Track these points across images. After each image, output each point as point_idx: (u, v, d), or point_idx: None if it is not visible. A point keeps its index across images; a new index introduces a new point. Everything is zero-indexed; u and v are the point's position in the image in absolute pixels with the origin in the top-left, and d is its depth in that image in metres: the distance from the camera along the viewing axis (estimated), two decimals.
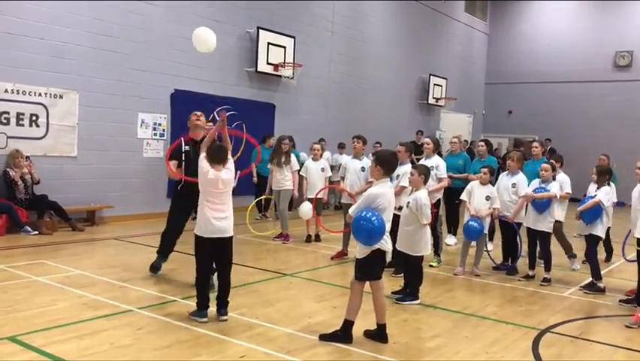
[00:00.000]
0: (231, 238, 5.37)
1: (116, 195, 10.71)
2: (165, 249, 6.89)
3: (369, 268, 4.96)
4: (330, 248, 8.95)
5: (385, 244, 4.95)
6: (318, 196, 9.26)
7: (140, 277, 6.72)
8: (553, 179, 7.68)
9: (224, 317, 5.25)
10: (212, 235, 5.23)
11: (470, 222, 7.56)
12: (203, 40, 6.45)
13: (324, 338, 4.91)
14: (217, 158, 5.28)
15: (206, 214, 5.23)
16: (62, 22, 9.75)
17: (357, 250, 4.99)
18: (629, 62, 20.41)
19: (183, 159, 6.50)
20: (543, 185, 7.47)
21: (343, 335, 4.90)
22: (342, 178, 8.46)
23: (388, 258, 5.10)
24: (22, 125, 9.43)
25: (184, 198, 6.51)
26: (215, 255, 5.36)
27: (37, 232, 9.02)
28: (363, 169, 8.23)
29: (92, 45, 10.17)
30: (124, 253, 8.20)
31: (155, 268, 6.90)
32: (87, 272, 6.81)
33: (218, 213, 5.23)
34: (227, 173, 5.33)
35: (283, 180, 9.69)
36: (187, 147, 6.53)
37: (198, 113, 6.74)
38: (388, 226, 4.97)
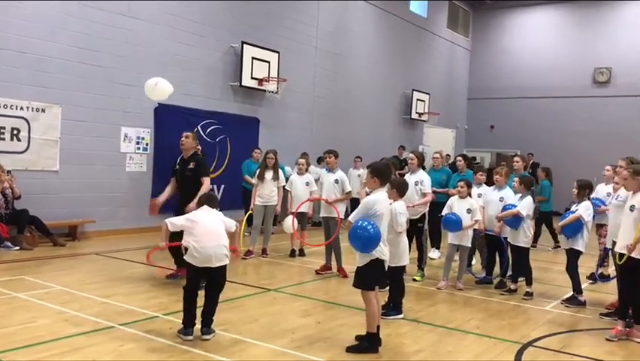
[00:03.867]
0: (224, 266, 5.29)
1: (98, 210, 10.61)
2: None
3: (367, 277, 5.13)
4: (314, 263, 8.94)
5: (382, 252, 5.09)
6: (302, 210, 9.27)
7: (121, 293, 6.66)
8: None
9: (207, 337, 5.16)
10: (203, 264, 5.16)
11: (448, 215, 7.69)
12: (157, 92, 7.42)
13: (350, 349, 5.05)
14: (210, 203, 5.51)
15: (193, 245, 5.15)
16: (45, 36, 9.70)
17: (357, 258, 5.16)
18: (608, 78, 20.79)
19: (178, 176, 7.40)
20: (512, 202, 7.58)
21: (370, 344, 5.07)
22: (320, 194, 8.66)
23: (386, 266, 5.24)
24: (3, 138, 9.33)
25: None
26: (206, 279, 5.31)
27: (18, 248, 8.90)
28: (337, 181, 8.45)
29: (75, 59, 10.13)
30: (106, 269, 8.11)
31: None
32: (68, 288, 6.73)
33: (209, 242, 5.15)
34: (216, 212, 5.48)
35: (269, 195, 9.65)
36: (177, 166, 7.31)
37: (184, 134, 7.52)
38: (386, 234, 5.10)
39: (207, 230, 5.21)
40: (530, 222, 7.55)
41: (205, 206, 5.48)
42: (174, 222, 5.39)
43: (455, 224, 7.62)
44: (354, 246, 5.08)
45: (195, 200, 6.29)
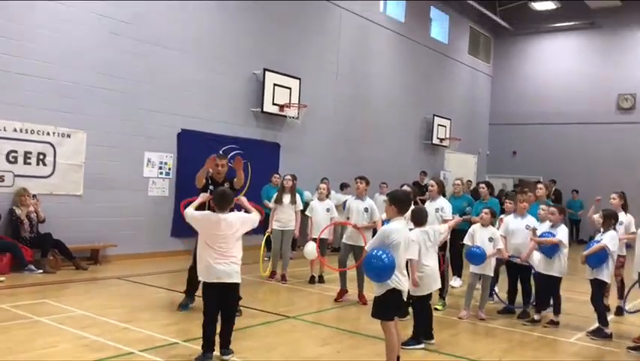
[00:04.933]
0: (237, 284, 5.31)
1: (120, 234, 10.71)
2: (191, 288, 7.10)
3: (385, 307, 5.10)
4: (334, 289, 8.86)
5: (399, 282, 5.04)
6: (323, 237, 9.24)
7: (143, 318, 6.68)
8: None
9: (226, 357, 5.22)
10: (215, 279, 5.20)
11: (472, 249, 7.58)
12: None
13: None
14: (219, 203, 5.31)
15: (206, 259, 5.20)
16: (72, 63, 9.93)
17: (375, 288, 5.15)
18: (633, 104, 20.56)
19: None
20: (551, 230, 7.47)
21: None
22: (347, 219, 8.46)
23: (404, 297, 5.22)
24: (30, 163, 9.52)
25: None
26: (220, 299, 5.28)
27: (41, 271, 9.00)
28: (366, 210, 8.26)
29: (100, 85, 10.33)
30: (127, 293, 8.16)
31: (182, 306, 7.16)
32: (89, 312, 6.77)
33: (219, 258, 5.18)
34: (233, 216, 5.33)
35: (287, 218, 9.68)
36: (211, 187, 6.87)
37: (221, 162, 7.11)
38: (404, 263, 5.07)
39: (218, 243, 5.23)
40: (565, 252, 7.43)
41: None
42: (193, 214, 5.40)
43: (479, 258, 7.52)
44: (369, 275, 5.12)
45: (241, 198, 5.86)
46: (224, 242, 5.22)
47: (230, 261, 5.23)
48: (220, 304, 5.30)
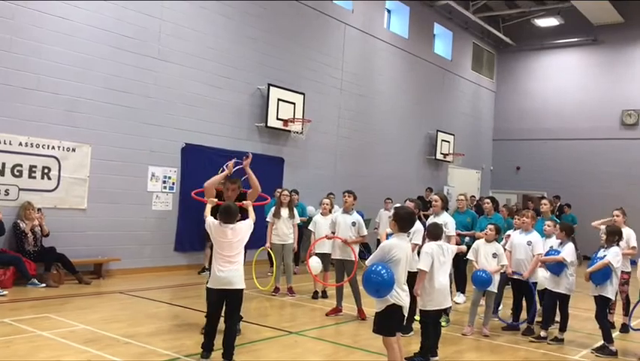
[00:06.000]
0: (239, 290, 5.51)
1: (124, 248, 10.72)
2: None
3: (386, 323, 5.09)
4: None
5: (399, 298, 5.01)
6: (326, 251, 9.22)
7: (145, 333, 6.65)
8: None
9: None
10: (218, 286, 5.43)
11: (478, 273, 7.53)
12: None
13: None
14: (224, 217, 5.55)
15: (215, 265, 5.47)
16: (77, 78, 9.99)
17: (376, 303, 5.15)
18: (637, 120, 20.55)
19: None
20: (558, 247, 7.45)
21: None
22: (333, 233, 8.46)
23: (405, 313, 5.19)
24: (34, 177, 9.55)
25: None
26: (223, 305, 5.55)
27: (44, 285, 9.00)
28: (354, 224, 8.32)
29: (105, 100, 10.40)
30: (130, 308, 8.14)
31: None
32: (92, 327, 6.75)
33: (224, 265, 5.42)
34: (240, 224, 5.57)
35: (286, 233, 9.71)
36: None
37: (232, 186, 6.61)
38: (404, 279, 5.05)
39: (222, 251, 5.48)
40: (573, 269, 7.39)
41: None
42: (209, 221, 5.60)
43: (485, 283, 7.47)
44: (367, 290, 5.10)
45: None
46: (230, 249, 5.47)
47: (234, 268, 5.45)
48: (225, 309, 5.54)
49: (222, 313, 5.63)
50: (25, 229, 9.18)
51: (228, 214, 5.53)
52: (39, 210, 9.43)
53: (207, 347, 5.56)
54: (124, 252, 10.69)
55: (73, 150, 10.02)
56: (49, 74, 9.66)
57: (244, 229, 5.60)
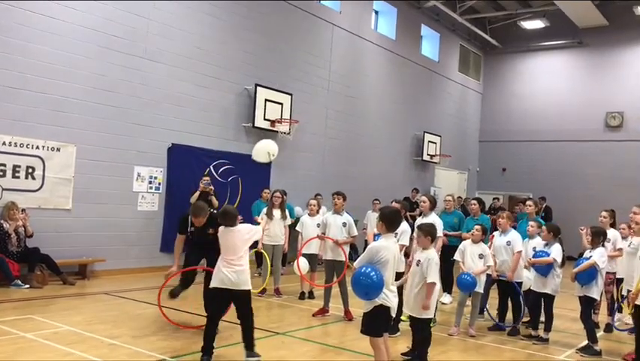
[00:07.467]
0: (246, 291, 5.59)
1: (109, 249, 10.62)
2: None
3: (374, 323, 5.08)
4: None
5: (387, 299, 5.02)
6: (313, 252, 9.23)
7: (129, 334, 6.60)
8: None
9: (251, 359, 5.49)
10: (223, 286, 5.48)
11: (463, 276, 7.56)
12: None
13: None
14: (224, 221, 5.69)
15: (220, 266, 5.56)
16: (63, 77, 9.90)
17: (364, 304, 5.15)
18: (620, 122, 20.76)
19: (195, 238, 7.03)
20: (545, 248, 7.50)
21: None
22: (324, 234, 8.47)
23: (393, 314, 5.18)
24: (18, 177, 9.44)
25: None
26: (225, 306, 5.69)
27: (27, 286, 8.89)
28: (344, 224, 8.37)
29: (91, 99, 10.31)
30: (115, 309, 8.07)
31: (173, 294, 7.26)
32: (76, 328, 6.68)
33: (229, 267, 5.49)
34: (242, 226, 5.71)
35: (277, 234, 9.68)
36: (191, 228, 6.93)
37: (202, 215, 6.65)
38: (391, 281, 5.04)
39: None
40: (559, 270, 7.44)
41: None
42: None
43: (470, 286, 7.50)
44: (357, 293, 5.05)
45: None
46: (234, 251, 5.54)
47: (238, 269, 5.49)
48: (237, 313, 5.67)
49: (222, 314, 5.78)
50: (8, 230, 9.07)
51: (227, 217, 5.69)
52: (23, 210, 9.32)
53: (207, 351, 5.49)
54: (109, 252, 10.60)
55: (58, 149, 9.92)
56: (35, 73, 9.55)
57: (248, 230, 5.73)
